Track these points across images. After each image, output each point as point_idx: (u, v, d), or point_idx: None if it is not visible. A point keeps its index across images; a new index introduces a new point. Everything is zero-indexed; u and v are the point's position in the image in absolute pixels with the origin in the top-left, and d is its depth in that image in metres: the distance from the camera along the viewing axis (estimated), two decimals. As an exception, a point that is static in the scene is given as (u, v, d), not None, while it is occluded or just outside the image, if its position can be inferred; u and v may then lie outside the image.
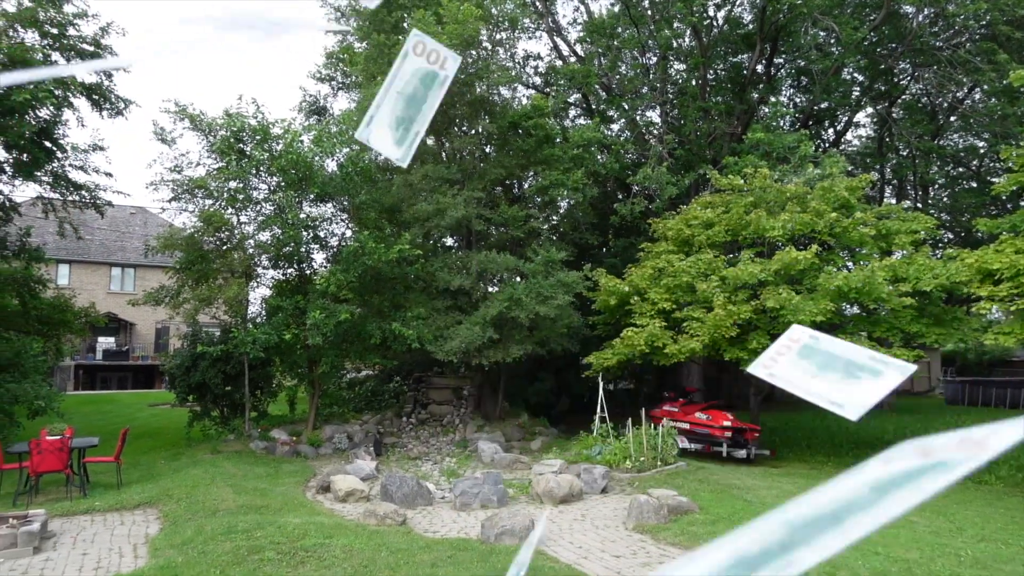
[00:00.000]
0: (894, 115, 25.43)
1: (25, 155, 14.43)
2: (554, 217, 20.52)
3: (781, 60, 24.86)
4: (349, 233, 16.23)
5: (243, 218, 15.18)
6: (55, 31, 14.36)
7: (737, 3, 22.40)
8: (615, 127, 23.98)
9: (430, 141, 18.04)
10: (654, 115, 23.60)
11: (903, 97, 26.03)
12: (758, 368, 1.28)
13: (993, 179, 25.74)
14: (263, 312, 15.89)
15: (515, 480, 11.97)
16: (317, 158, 14.64)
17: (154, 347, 34.66)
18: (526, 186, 19.66)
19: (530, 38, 23.90)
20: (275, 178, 14.51)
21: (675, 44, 22.17)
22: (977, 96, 24.77)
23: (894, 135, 25.29)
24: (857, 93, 25.11)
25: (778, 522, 0.55)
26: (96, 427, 17.31)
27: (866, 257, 14.41)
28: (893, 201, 26.33)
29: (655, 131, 22.36)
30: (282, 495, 10.17)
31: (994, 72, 19.15)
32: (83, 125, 28.05)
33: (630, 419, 12.87)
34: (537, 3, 22.97)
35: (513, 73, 19.22)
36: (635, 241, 19.07)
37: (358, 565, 6.60)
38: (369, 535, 7.73)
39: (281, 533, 7.55)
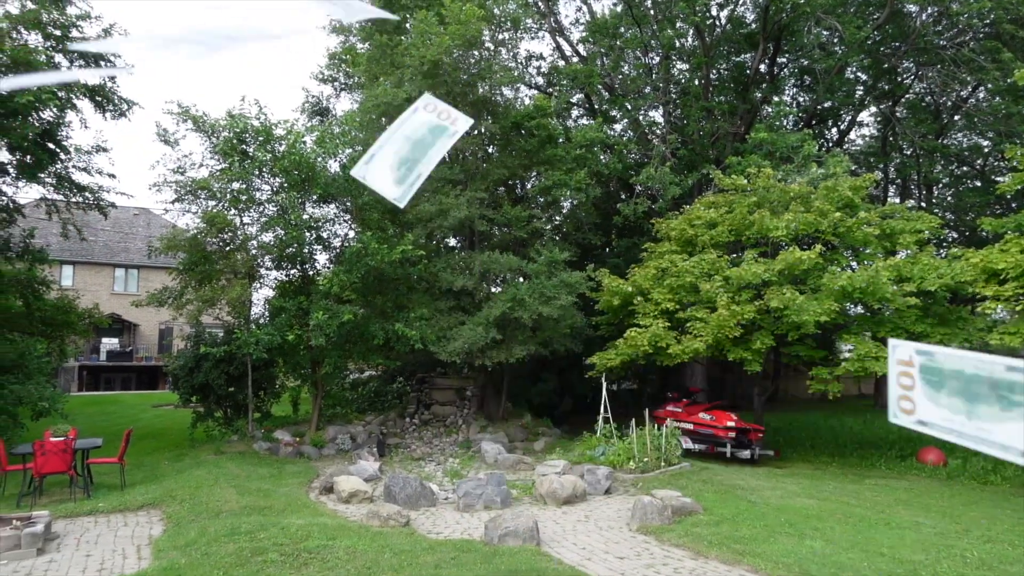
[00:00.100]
0: (898, 114, 25.36)
1: (29, 157, 14.45)
2: (557, 217, 20.50)
3: (784, 59, 24.80)
4: (352, 234, 16.23)
5: (246, 219, 15.20)
6: (58, 33, 14.38)
7: (740, 2, 22.37)
8: (618, 127, 23.95)
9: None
10: (657, 115, 23.57)
11: (907, 96, 25.95)
12: (900, 417, 1.23)
13: (997, 178, 25.64)
14: (266, 313, 15.90)
15: (518, 481, 11.95)
16: (320, 159, 14.63)
17: (158, 348, 34.71)
18: (529, 186, 19.65)
19: (532, 38, 23.90)
20: (278, 179, 14.51)
21: (678, 44, 22.13)
22: (981, 95, 24.67)
23: (898, 134, 25.24)
24: (860, 92, 25.04)
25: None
26: (100, 428, 17.34)
27: (870, 257, 14.36)
28: (897, 200, 26.31)
29: (658, 131, 22.32)
30: (285, 496, 10.16)
31: (998, 71, 19.08)
32: (86, 126, 28.12)
33: (633, 420, 12.84)
34: (539, 3, 22.95)
35: (516, 73, 19.20)
36: (638, 241, 19.04)
37: (361, 567, 6.58)
38: (372, 536, 7.72)
39: (284, 534, 7.54)
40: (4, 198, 16.00)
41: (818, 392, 13.85)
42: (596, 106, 23.64)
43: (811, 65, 22.47)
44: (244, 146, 14.17)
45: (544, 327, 15.70)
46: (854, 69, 24.05)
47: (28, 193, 32.14)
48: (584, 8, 24.83)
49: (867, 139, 29.95)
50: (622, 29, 21.84)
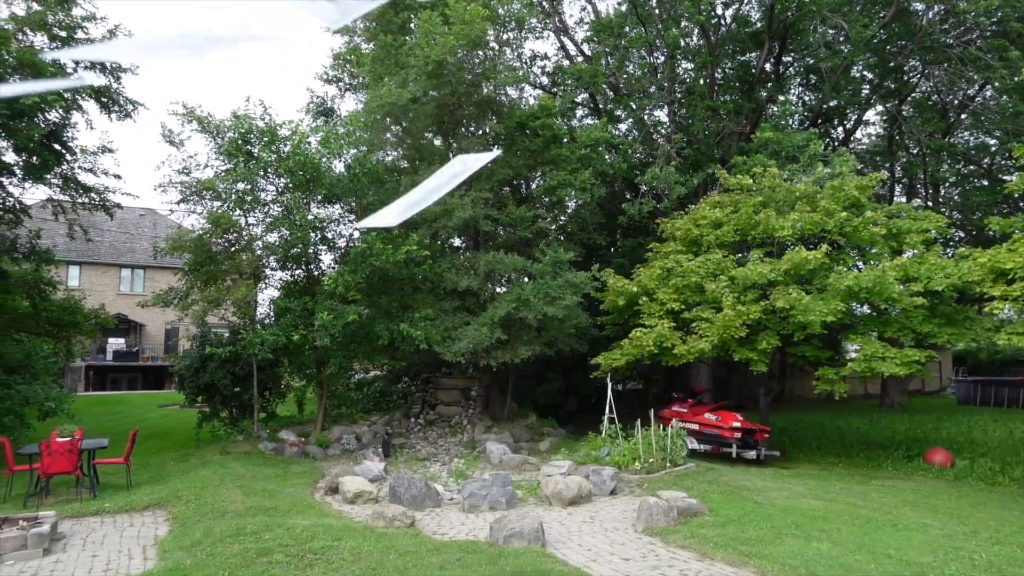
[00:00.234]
0: (904, 113, 25.25)
1: (35, 158, 14.49)
2: (562, 217, 20.47)
3: (790, 58, 24.72)
4: (357, 234, 16.24)
5: (251, 220, 15.21)
6: (63, 34, 14.42)
7: (745, 1, 22.30)
8: (623, 127, 23.90)
9: (437, 142, 18.04)
10: (662, 114, 23.53)
11: (913, 95, 25.84)
12: None
13: (1005, 177, 25.49)
14: (271, 313, 15.92)
15: (523, 481, 11.94)
16: (325, 159, 14.64)
17: (164, 348, 34.83)
18: (533, 186, 19.63)
19: (537, 38, 23.88)
20: (283, 179, 14.53)
21: (683, 43, 22.07)
22: (988, 93, 24.55)
23: (904, 133, 25.11)
24: (867, 91, 24.94)
25: None
26: (106, 428, 17.39)
27: (877, 256, 14.29)
28: (903, 200, 26.16)
29: (663, 130, 22.28)
30: (291, 496, 10.17)
31: (1005, 69, 18.97)
32: (92, 127, 28.23)
33: (639, 420, 12.81)
34: (544, 3, 22.93)
35: (520, 73, 19.18)
36: (643, 241, 19.00)
37: (366, 568, 6.58)
38: (377, 537, 7.71)
39: (290, 535, 7.54)
40: (11, 199, 16.05)
41: (824, 392, 13.79)
42: (601, 106, 23.60)
43: (817, 64, 22.39)
44: (249, 147, 14.18)
45: (549, 327, 15.68)
46: (860, 68, 23.95)
47: (34, 194, 32.27)
48: (588, 7, 24.79)
49: (873, 138, 29.83)
50: (627, 28, 21.79)
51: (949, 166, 27.31)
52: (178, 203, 14.56)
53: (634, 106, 21.88)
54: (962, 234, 27.49)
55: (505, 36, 17.59)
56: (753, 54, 23.56)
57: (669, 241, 16.07)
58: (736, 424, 14.12)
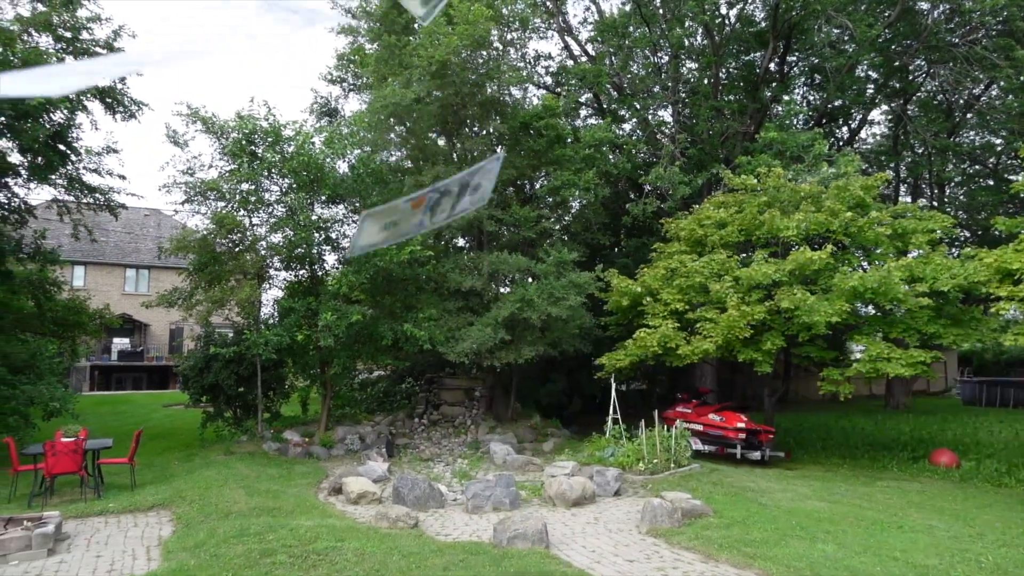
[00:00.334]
0: (909, 112, 25.16)
1: (40, 158, 14.53)
2: (566, 217, 20.45)
3: (794, 58, 24.65)
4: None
5: (255, 220, 15.23)
6: (68, 35, 14.45)
7: (749, 1, 22.25)
8: (627, 127, 23.87)
9: (441, 142, 18.04)
10: (666, 114, 23.49)
11: (918, 94, 25.75)
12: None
13: (1011, 177, 25.41)
14: (275, 314, 15.94)
15: (527, 482, 11.92)
16: (328, 160, 14.65)
17: (168, 348, 34.89)
18: (537, 186, 19.61)
19: (541, 38, 23.83)
20: (287, 180, 14.54)
21: (687, 43, 22.03)
22: (994, 92, 24.45)
23: (909, 133, 25.04)
24: (871, 91, 24.87)
25: None
26: (111, 428, 17.43)
27: (882, 257, 14.23)
28: (908, 199, 26.09)
29: (667, 130, 22.24)
30: (294, 497, 10.17)
31: (1011, 68, 18.90)
32: (97, 128, 28.27)
33: (643, 420, 12.78)
34: (548, 3, 22.91)
35: (524, 73, 19.16)
36: (647, 241, 18.97)
37: (370, 569, 6.57)
38: (381, 538, 7.71)
39: (293, 536, 7.54)
40: (16, 199, 16.10)
41: (829, 393, 13.75)
42: (605, 106, 23.57)
43: (821, 63, 22.32)
44: (253, 147, 14.19)
45: (553, 328, 15.66)
46: (865, 67, 23.88)
47: (39, 194, 32.37)
48: (592, 7, 24.75)
49: (878, 138, 29.74)
50: (631, 28, 21.76)
51: (954, 166, 27.22)
52: (182, 203, 14.58)
53: (638, 106, 21.85)
54: (968, 234, 27.39)
55: (509, 36, 17.58)
56: (757, 54, 23.50)
57: (673, 241, 16.03)
58: (740, 425, 14.08)
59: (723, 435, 14.20)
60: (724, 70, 23.42)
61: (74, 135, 15.34)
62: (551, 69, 24.37)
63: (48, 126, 14.28)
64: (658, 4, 21.42)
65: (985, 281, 12.12)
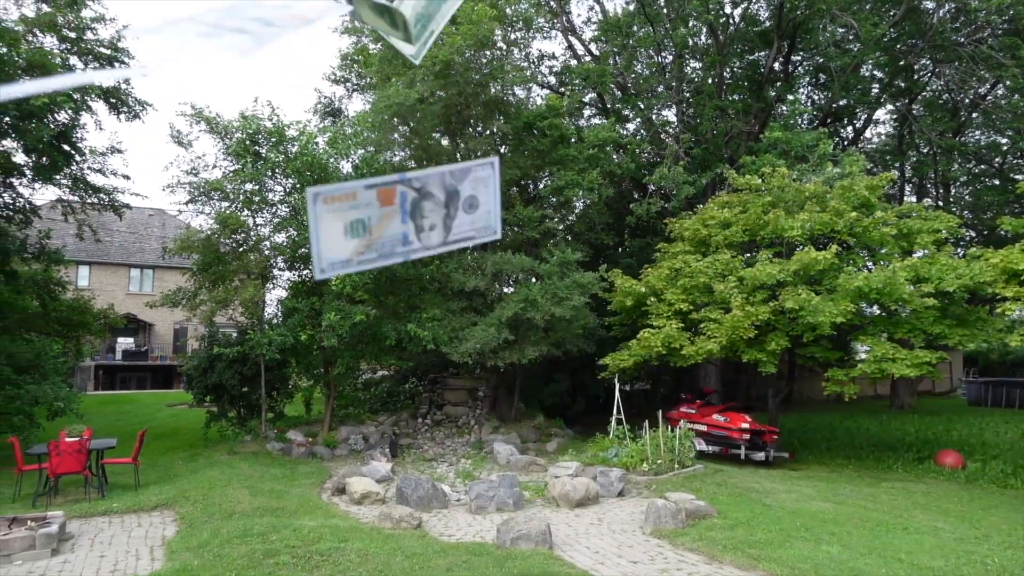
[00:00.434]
0: (914, 112, 25.07)
1: (44, 158, 14.57)
2: (569, 217, 20.43)
3: (799, 57, 24.57)
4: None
5: (259, 220, 15.25)
6: (73, 35, 14.48)
7: (754, 0, 22.18)
8: (631, 126, 23.82)
9: (445, 142, 18.03)
10: (670, 114, 23.43)
11: (923, 94, 25.65)
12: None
13: (1016, 176, 25.31)
14: (279, 314, 15.95)
15: (531, 483, 11.90)
16: (332, 160, 14.66)
17: (172, 347, 34.97)
18: (541, 186, 19.59)
19: (544, 38, 23.82)
20: (290, 180, 14.55)
21: (691, 42, 21.98)
22: (1000, 92, 24.33)
23: (914, 132, 24.94)
24: (876, 90, 24.77)
25: None
26: (115, 427, 17.47)
27: (887, 257, 14.18)
28: (914, 199, 25.99)
29: (671, 130, 22.18)
30: (298, 497, 10.17)
31: (1017, 68, 18.80)
32: (101, 128, 28.37)
33: (647, 421, 12.75)
34: (551, 2, 22.87)
35: (527, 73, 19.15)
36: (651, 241, 18.93)
37: (373, 570, 6.56)
38: (384, 539, 7.70)
39: (296, 536, 7.53)
40: (21, 200, 16.15)
41: (833, 393, 13.70)
42: (608, 105, 23.53)
43: (826, 63, 22.25)
44: (257, 147, 14.21)
45: (556, 328, 15.64)
46: (870, 67, 23.79)
47: (44, 194, 32.39)
48: (596, 7, 24.73)
49: (883, 137, 29.64)
50: (635, 28, 21.72)
51: (960, 165, 27.12)
52: (186, 203, 14.62)
53: (642, 106, 21.80)
54: (973, 234, 27.28)
55: (512, 36, 17.57)
56: (762, 53, 23.43)
57: (677, 241, 16.00)
58: (745, 425, 14.04)
59: (727, 435, 14.16)
60: (728, 69, 23.36)
61: (78, 135, 15.40)
62: (555, 69, 24.35)
63: (52, 126, 14.32)
64: (662, 3, 21.37)
65: (991, 281, 12.07)
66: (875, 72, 24.68)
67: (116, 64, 15.14)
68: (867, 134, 28.71)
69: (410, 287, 15.72)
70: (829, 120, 25.19)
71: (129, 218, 29.14)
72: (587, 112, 24.65)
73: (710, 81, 22.17)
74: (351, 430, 15.68)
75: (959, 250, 21.76)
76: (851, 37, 21.28)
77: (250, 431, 15.34)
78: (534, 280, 16.42)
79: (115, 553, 7.54)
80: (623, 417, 14.09)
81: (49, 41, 14.42)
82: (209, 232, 15.01)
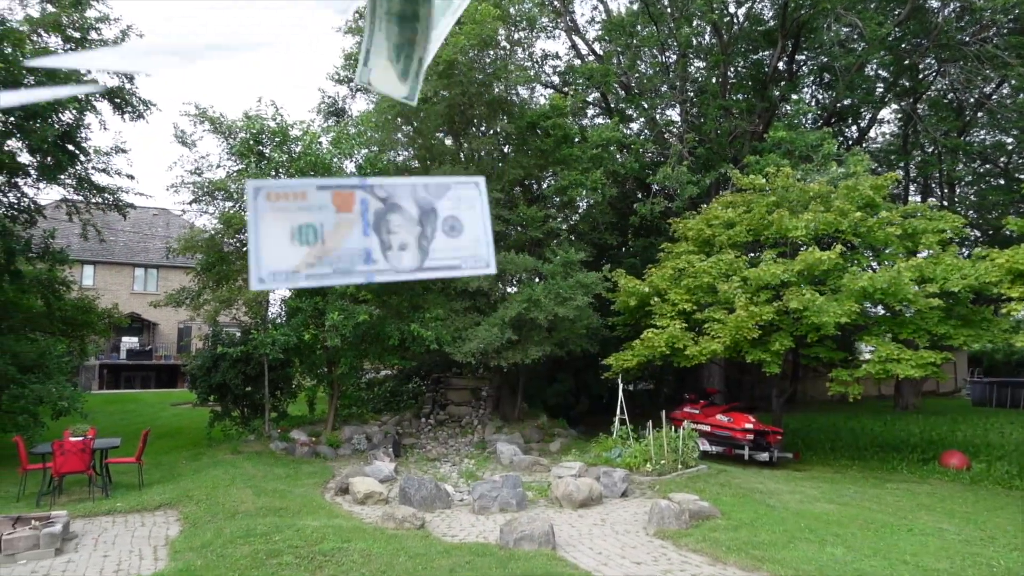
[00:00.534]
0: (919, 111, 24.98)
1: (49, 158, 14.60)
2: (573, 217, 20.40)
3: (803, 57, 24.51)
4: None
5: (262, 220, 15.23)
6: (77, 35, 14.51)
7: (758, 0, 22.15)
8: (634, 126, 23.79)
9: (448, 142, 18.02)
10: (674, 114, 23.41)
11: (928, 93, 25.56)
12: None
13: (1022, 176, 25.20)
14: (283, 313, 15.97)
15: (534, 483, 11.89)
16: (336, 159, 14.66)
17: (176, 347, 35.04)
18: (544, 186, 19.58)
19: (548, 37, 23.79)
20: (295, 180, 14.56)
21: (695, 42, 21.93)
22: (1005, 91, 24.24)
23: (919, 132, 24.85)
24: (881, 89, 24.69)
25: None
26: (119, 427, 17.51)
27: (892, 257, 14.13)
28: (918, 199, 25.88)
29: (675, 130, 22.15)
30: (301, 497, 10.17)
31: (1023, 67, 18.72)
32: (105, 128, 28.40)
33: (650, 421, 12.73)
34: (555, 2, 22.85)
35: (531, 73, 19.13)
36: (655, 241, 18.90)
37: (376, 570, 6.56)
38: (387, 539, 7.69)
39: (299, 537, 7.54)
40: (25, 199, 16.19)
41: (838, 394, 13.66)
42: (612, 105, 23.51)
43: (831, 62, 22.18)
44: (261, 147, 14.23)
45: (560, 328, 15.62)
46: (874, 66, 23.72)
47: (49, 194, 32.47)
48: (600, 6, 24.67)
49: (888, 137, 29.55)
50: (638, 27, 21.68)
51: (965, 165, 27.01)
52: (190, 203, 14.64)
53: (646, 105, 21.77)
54: (978, 234, 27.18)
55: (516, 35, 17.56)
56: (766, 52, 23.39)
57: (681, 241, 15.97)
58: (748, 426, 14.00)
59: (731, 436, 14.12)
60: (732, 69, 23.31)
61: (83, 135, 15.42)
62: (558, 68, 24.33)
63: (57, 126, 14.35)
64: (666, 3, 21.32)
65: (996, 282, 12.02)
66: (880, 71, 24.60)
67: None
68: (871, 134, 28.63)
69: (413, 287, 15.72)
70: (833, 120, 25.12)
71: (133, 218, 29.22)
72: (591, 112, 24.62)
73: (714, 81, 22.13)
74: (354, 430, 15.69)
75: (964, 250, 21.69)
76: (855, 36, 21.21)
77: (254, 431, 15.37)
78: (537, 280, 16.42)
79: (119, 553, 7.55)
80: (626, 417, 14.07)
81: (54, 41, 14.45)
82: (213, 232, 15.02)
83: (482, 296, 16.20)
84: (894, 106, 26.12)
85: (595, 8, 30.80)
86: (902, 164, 26.00)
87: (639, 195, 21.75)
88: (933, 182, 28.08)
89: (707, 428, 14.44)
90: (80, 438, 10.10)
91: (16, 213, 15.93)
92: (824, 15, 19.77)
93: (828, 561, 6.92)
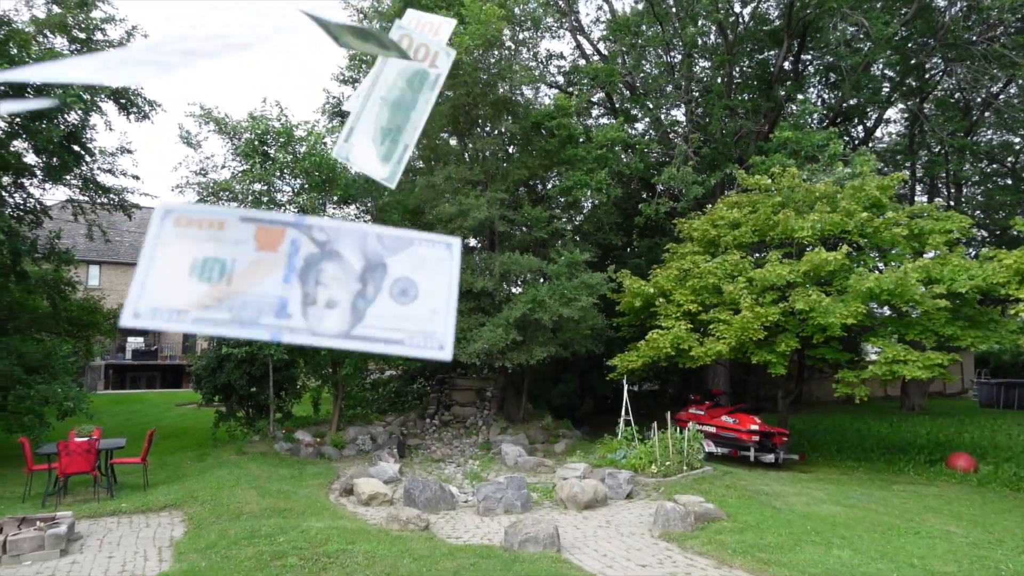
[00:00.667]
0: (926, 111, 24.86)
1: (55, 159, 14.64)
2: (578, 218, 20.37)
3: (809, 56, 24.42)
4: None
5: (267, 220, 15.25)
6: (83, 36, 14.54)
7: (764, -1, 22.07)
8: (639, 126, 23.74)
9: (453, 142, 18.01)
10: (679, 114, 23.34)
11: (935, 93, 25.43)
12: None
13: (1029, 176, 25.06)
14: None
15: (539, 484, 11.86)
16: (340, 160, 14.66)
17: (182, 347, 35.11)
18: (549, 187, 19.54)
19: (553, 37, 23.76)
20: (299, 180, 14.57)
21: (700, 41, 21.87)
22: (1012, 91, 24.12)
23: (926, 132, 24.73)
24: (887, 89, 24.59)
25: None
26: (125, 427, 17.54)
27: (898, 258, 14.06)
28: (925, 199, 25.79)
29: (680, 130, 22.09)
30: (306, 498, 10.17)
31: (1030, 66, 18.63)
32: (111, 128, 28.45)
33: (655, 422, 12.69)
34: (560, 2, 22.82)
35: (536, 73, 19.09)
36: (660, 242, 18.84)
37: (380, 572, 6.54)
38: (392, 541, 7.68)
39: (304, 538, 7.53)
40: (31, 200, 16.23)
41: (844, 395, 13.59)
42: (617, 105, 23.46)
43: (837, 62, 22.10)
44: (265, 147, 14.24)
45: (565, 328, 15.59)
46: (881, 66, 23.61)
47: (54, 195, 32.52)
48: (605, 6, 24.63)
49: (894, 137, 29.42)
50: (643, 27, 21.63)
51: (972, 165, 26.87)
52: (195, 204, 14.63)
53: (651, 105, 21.72)
54: (985, 234, 27.05)
55: (521, 36, 17.52)
56: (772, 52, 23.29)
57: (686, 242, 15.92)
58: (754, 427, 13.95)
59: (736, 437, 14.07)
60: (738, 69, 23.25)
61: (88, 136, 15.45)
62: (563, 68, 24.29)
63: (63, 127, 14.38)
64: (671, 2, 21.27)
65: (1004, 282, 11.95)
66: (886, 71, 24.49)
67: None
68: (878, 134, 28.52)
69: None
70: (839, 120, 25.02)
71: (139, 218, 29.25)
72: (595, 112, 24.57)
73: (719, 80, 22.06)
74: (359, 430, 15.68)
75: (971, 250, 21.58)
76: (862, 36, 21.12)
77: (258, 431, 15.37)
78: (542, 281, 16.39)
79: (123, 554, 7.55)
80: (631, 418, 14.03)
81: (59, 42, 14.49)
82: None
83: (487, 297, 16.17)
84: (900, 106, 26.00)
85: (600, 8, 30.77)
86: (908, 164, 25.88)
87: (644, 195, 21.70)
88: (940, 182, 27.94)
89: (712, 429, 14.39)
90: (85, 438, 10.12)
91: (22, 214, 15.97)
92: (830, 14, 19.69)
93: (835, 564, 6.88)
